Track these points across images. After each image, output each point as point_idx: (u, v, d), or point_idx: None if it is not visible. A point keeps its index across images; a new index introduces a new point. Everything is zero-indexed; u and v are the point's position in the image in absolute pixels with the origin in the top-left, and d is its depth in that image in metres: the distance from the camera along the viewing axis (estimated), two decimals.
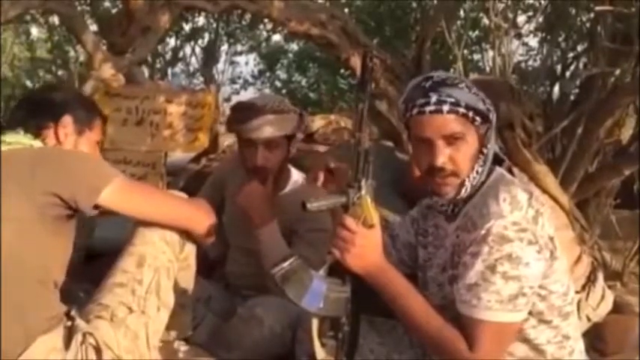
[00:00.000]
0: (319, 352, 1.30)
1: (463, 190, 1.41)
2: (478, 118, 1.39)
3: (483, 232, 1.31)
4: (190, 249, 1.73)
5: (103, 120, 1.77)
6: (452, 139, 1.37)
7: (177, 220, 1.67)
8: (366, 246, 1.32)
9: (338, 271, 1.35)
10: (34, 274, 1.47)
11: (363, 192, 1.32)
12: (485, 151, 1.42)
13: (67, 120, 1.65)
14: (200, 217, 1.70)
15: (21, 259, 1.45)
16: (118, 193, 1.54)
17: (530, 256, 1.31)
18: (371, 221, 1.32)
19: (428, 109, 1.37)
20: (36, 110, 1.63)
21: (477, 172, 1.41)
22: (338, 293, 1.33)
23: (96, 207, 1.52)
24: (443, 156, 1.37)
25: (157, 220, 1.64)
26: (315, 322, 1.31)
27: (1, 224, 1.43)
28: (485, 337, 1.30)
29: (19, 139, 1.56)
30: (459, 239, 1.41)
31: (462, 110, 1.37)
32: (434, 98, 1.37)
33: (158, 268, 1.63)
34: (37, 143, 1.59)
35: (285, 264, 1.31)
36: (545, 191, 2.56)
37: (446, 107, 1.36)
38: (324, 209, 1.33)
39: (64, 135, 1.65)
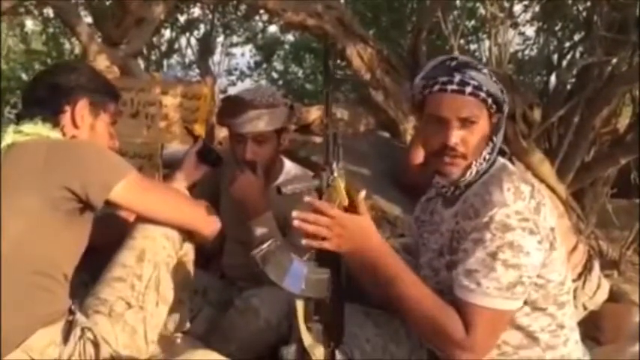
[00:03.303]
0: (306, 337, 1.29)
1: (468, 174, 1.42)
2: (494, 106, 1.41)
3: (486, 219, 1.31)
4: (189, 245, 1.74)
5: (116, 99, 1.76)
6: (467, 122, 1.38)
7: (183, 221, 1.69)
8: (347, 228, 1.31)
9: (324, 257, 1.34)
10: (41, 266, 1.47)
11: (336, 174, 1.32)
12: (494, 139, 1.43)
13: (83, 103, 1.64)
14: (205, 221, 1.72)
15: (29, 250, 1.45)
16: (129, 191, 1.54)
17: (531, 246, 1.31)
18: (344, 203, 1.32)
19: (450, 87, 1.37)
20: (52, 94, 1.62)
21: (484, 159, 1.42)
22: (319, 275, 1.33)
23: (107, 202, 1.53)
24: (457, 136, 1.38)
25: (164, 220, 1.66)
26: (299, 305, 1.31)
27: (11, 215, 1.44)
28: (480, 322, 1.30)
29: (36, 130, 1.55)
30: (458, 226, 1.41)
31: (482, 95, 1.38)
32: (457, 78, 1.37)
33: (158, 264, 1.63)
34: (55, 134, 1.58)
35: (264, 246, 1.31)
36: (541, 180, 2.57)
37: (468, 89, 1.37)
38: (299, 192, 1.34)
39: (80, 118, 1.64)
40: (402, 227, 2.52)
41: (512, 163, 1.51)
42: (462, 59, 1.41)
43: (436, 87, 1.38)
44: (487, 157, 1.42)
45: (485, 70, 1.41)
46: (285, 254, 1.32)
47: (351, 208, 1.35)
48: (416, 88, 1.45)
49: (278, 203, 1.93)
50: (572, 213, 2.74)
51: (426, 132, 1.45)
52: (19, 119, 1.60)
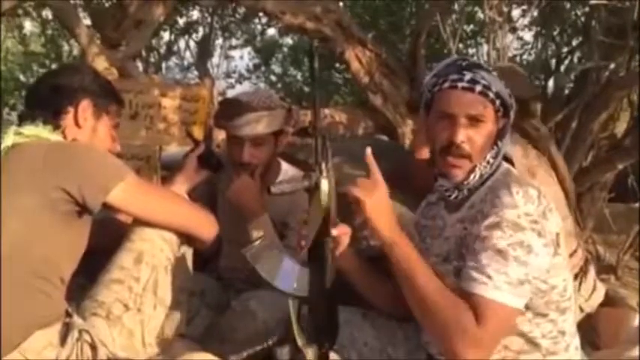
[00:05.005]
0: (299, 337, 1.29)
1: (472, 177, 1.42)
2: (502, 109, 1.42)
3: (497, 219, 1.31)
4: (187, 248, 1.74)
5: (119, 102, 1.75)
6: (475, 121, 1.39)
7: (182, 225, 1.69)
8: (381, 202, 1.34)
9: (316, 257, 1.34)
10: (38, 267, 1.46)
11: (325, 174, 1.32)
12: (499, 144, 1.43)
13: (86, 104, 1.64)
14: (204, 224, 1.73)
15: (26, 252, 1.45)
16: (127, 194, 1.54)
17: (538, 248, 1.32)
18: (325, 203, 1.32)
19: (460, 85, 1.39)
20: (55, 95, 1.62)
21: (488, 163, 1.43)
22: (311, 274, 1.33)
23: (104, 205, 1.52)
24: (463, 134, 1.39)
25: (162, 223, 1.65)
26: (292, 305, 1.31)
27: (10, 217, 1.44)
28: (491, 315, 1.27)
29: (37, 132, 1.55)
30: (466, 231, 1.41)
31: (491, 95, 1.39)
32: (468, 76, 1.39)
33: (156, 266, 1.63)
34: (55, 136, 1.58)
35: (256, 243, 1.34)
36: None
37: (478, 87, 1.38)
38: (288, 192, 1.37)
39: (83, 120, 1.63)
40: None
41: (513, 166, 1.51)
42: (473, 60, 1.44)
43: (446, 84, 1.40)
44: (491, 161, 1.43)
45: (495, 73, 1.43)
46: (276, 253, 1.34)
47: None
48: (426, 86, 1.46)
49: (275, 205, 1.93)
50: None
51: (433, 129, 1.45)
52: (21, 120, 1.60)
